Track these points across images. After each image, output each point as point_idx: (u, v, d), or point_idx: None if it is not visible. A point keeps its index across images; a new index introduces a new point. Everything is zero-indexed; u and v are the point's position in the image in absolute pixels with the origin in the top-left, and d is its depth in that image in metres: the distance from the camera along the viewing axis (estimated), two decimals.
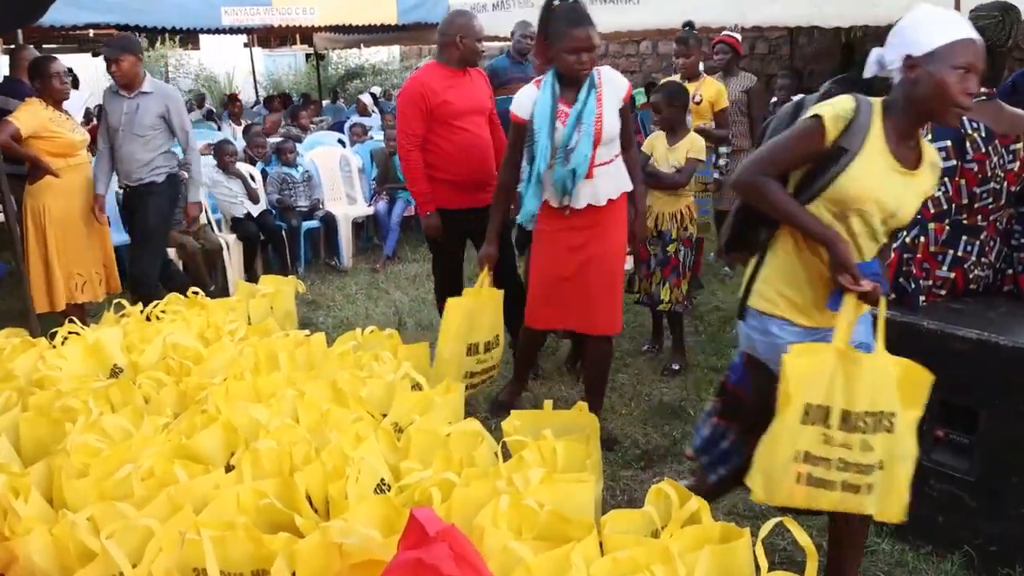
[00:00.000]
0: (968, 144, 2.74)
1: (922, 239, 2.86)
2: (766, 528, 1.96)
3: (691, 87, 5.33)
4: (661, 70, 12.22)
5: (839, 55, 9.44)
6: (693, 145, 4.46)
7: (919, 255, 2.87)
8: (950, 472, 2.62)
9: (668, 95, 4.52)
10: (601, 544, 2.14)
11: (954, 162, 2.76)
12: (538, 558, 1.98)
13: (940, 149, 2.75)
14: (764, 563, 1.89)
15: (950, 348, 2.58)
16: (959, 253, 2.88)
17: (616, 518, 2.20)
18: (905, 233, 2.87)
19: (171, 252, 5.87)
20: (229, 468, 2.69)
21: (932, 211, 2.82)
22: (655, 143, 4.54)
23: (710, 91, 5.54)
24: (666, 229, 4.39)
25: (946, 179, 2.76)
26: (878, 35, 7.73)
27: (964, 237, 2.88)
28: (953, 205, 2.82)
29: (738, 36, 6.15)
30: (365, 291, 6.24)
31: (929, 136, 2.80)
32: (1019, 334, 2.52)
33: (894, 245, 2.92)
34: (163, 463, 2.53)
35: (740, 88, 6.13)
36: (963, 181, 2.79)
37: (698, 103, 5.37)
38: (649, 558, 1.98)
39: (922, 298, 2.88)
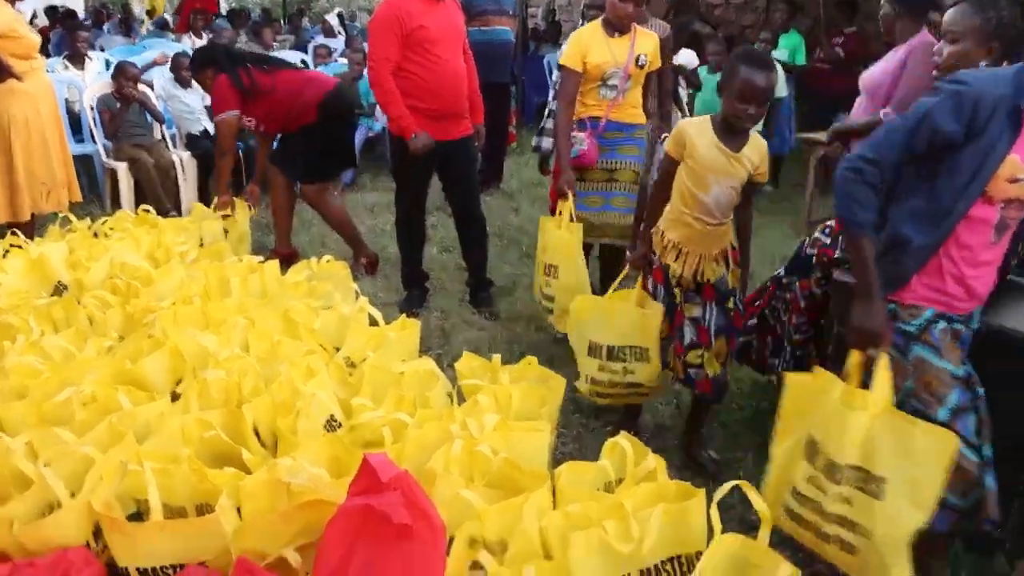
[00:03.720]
0: None
1: None
2: (722, 491, 1.94)
3: (621, 42, 3.69)
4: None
5: (821, 9, 9.32)
6: None
7: None
8: None
9: None
10: (554, 494, 2.12)
11: None
12: (490, 508, 1.95)
13: None
14: (718, 525, 1.88)
15: None
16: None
17: (570, 470, 2.18)
18: None
19: (123, 167, 5.68)
20: (175, 396, 2.63)
21: None
22: None
23: (649, 44, 3.79)
24: (717, 280, 2.91)
25: None
26: None
27: None
28: None
29: None
30: (321, 218, 6.11)
31: None
32: (1005, 317, 2.45)
33: None
34: (106, 388, 2.45)
35: None
36: None
37: (642, 66, 3.73)
38: (602, 513, 1.96)
39: None
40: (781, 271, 3.25)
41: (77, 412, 2.35)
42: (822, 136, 6.02)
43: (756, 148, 2.78)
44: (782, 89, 6.64)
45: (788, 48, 7.08)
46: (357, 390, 2.66)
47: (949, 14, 2.74)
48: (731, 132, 2.71)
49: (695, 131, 2.78)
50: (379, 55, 3.95)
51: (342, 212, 4.99)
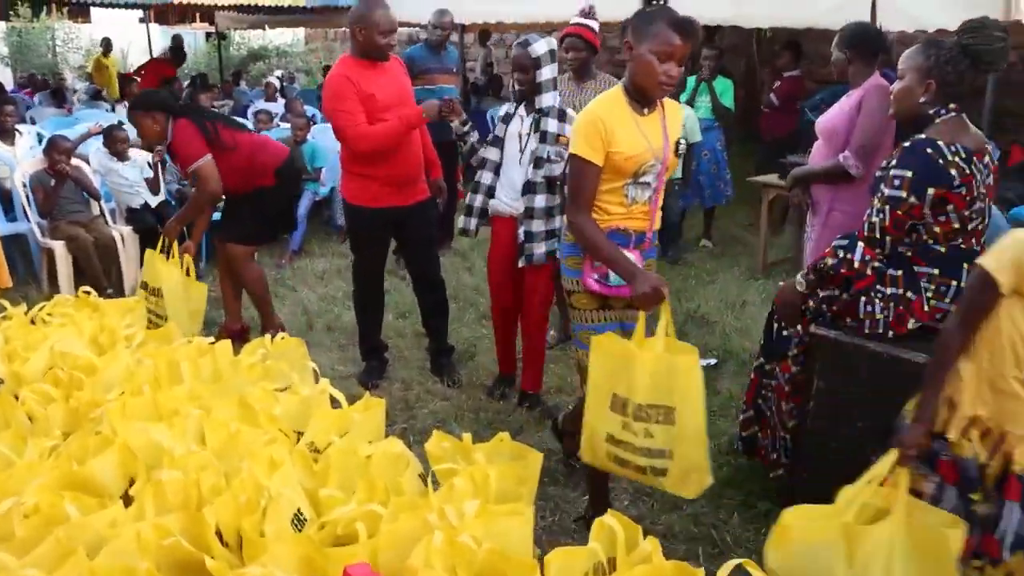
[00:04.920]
0: (953, 171, 2.56)
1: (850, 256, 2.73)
2: (725, 569, 1.83)
3: (651, 122, 2.79)
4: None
5: (755, 51, 9.52)
6: None
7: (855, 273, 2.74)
8: None
9: None
10: None
11: (903, 194, 2.58)
12: None
13: (896, 178, 2.60)
14: None
15: (897, 371, 2.51)
16: (962, 284, 2.63)
17: (560, 558, 2.05)
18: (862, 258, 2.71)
19: (60, 246, 5.45)
20: (127, 499, 2.44)
21: (866, 233, 2.69)
22: None
23: (678, 121, 2.93)
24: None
25: (887, 207, 2.62)
26: (788, 34, 7.85)
27: (966, 265, 2.63)
28: (889, 237, 2.66)
29: (594, 25, 4.33)
30: (271, 288, 5.91)
31: (894, 162, 2.64)
32: None
33: (863, 264, 2.73)
34: (51, 497, 2.25)
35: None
36: (951, 207, 2.59)
37: (681, 155, 2.93)
38: None
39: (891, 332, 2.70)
40: (761, 359, 3.21)
41: (18, 527, 2.14)
42: (773, 179, 6.07)
43: None
44: (696, 134, 6.37)
45: (718, 93, 7.01)
46: (324, 479, 2.50)
47: (903, 55, 2.81)
48: None
49: None
50: (349, 122, 3.81)
51: (262, 278, 4.79)
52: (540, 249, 3.73)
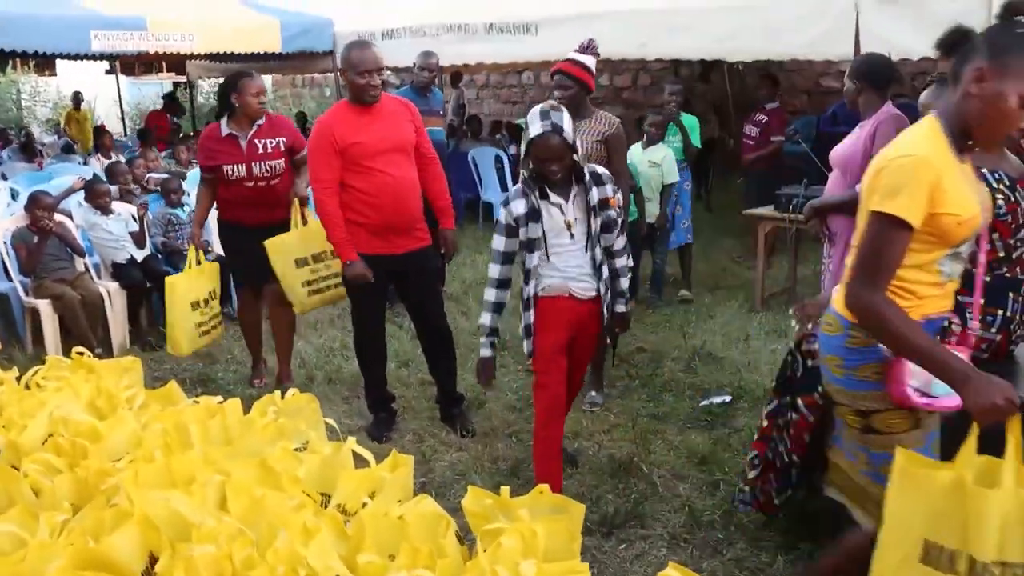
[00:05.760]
0: (999, 199, 2.56)
1: None
2: None
3: (969, 170, 2.30)
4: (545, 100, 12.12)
5: (727, 85, 9.59)
6: None
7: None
8: None
9: None
10: None
11: None
12: None
13: None
14: None
15: None
16: (1008, 313, 2.63)
17: None
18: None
19: (45, 305, 5.26)
20: (148, 574, 2.28)
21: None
22: None
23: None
24: None
25: None
26: (760, 66, 7.90)
27: (1011, 294, 2.64)
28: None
29: (587, 61, 4.09)
30: (264, 340, 5.76)
31: None
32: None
33: None
34: None
35: (596, 135, 4.10)
36: (996, 235, 2.60)
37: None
38: None
39: None
40: (775, 401, 3.06)
41: None
42: (768, 211, 6.04)
43: None
44: (673, 174, 6.20)
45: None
46: (359, 544, 2.36)
47: (923, 95, 2.77)
48: None
49: None
50: (314, 176, 3.91)
51: (294, 323, 4.76)
52: (620, 307, 3.53)
